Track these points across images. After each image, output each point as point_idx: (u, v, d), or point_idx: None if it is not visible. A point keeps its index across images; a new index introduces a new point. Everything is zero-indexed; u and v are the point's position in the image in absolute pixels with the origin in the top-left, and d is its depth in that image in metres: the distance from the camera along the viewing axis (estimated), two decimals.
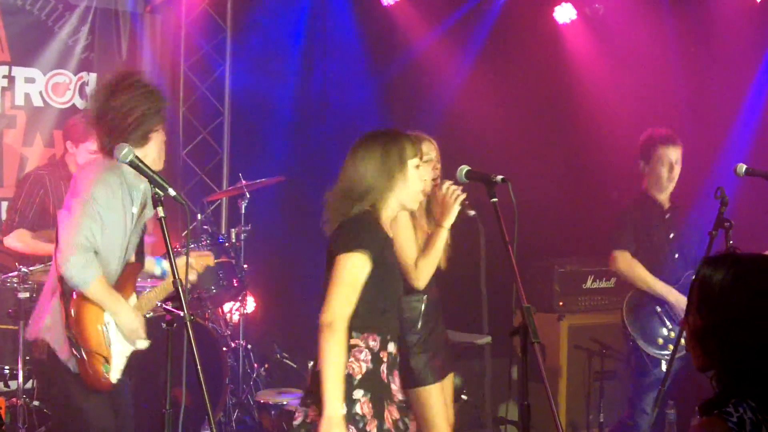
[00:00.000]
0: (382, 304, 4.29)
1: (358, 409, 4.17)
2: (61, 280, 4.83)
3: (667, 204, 6.49)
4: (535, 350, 3.87)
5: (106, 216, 4.84)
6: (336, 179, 4.43)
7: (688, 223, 6.48)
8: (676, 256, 6.42)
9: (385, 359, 4.28)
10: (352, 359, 4.20)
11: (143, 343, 5.11)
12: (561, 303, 7.82)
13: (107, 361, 4.91)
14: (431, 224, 5.25)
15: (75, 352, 4.84)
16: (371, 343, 4.26)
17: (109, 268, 4.99)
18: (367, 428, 4.16)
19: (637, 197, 6.54)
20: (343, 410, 4.09)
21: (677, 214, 6.50)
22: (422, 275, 5.11)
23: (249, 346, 8.42)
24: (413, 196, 4.39)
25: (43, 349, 4.97)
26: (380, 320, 4.29)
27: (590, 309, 7.87)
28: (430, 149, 5.39)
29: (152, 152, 5.10)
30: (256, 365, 8.41)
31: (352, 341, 4.21)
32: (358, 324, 4.22)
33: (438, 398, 5.14)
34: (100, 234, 4.80)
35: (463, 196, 5.08)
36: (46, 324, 4.97)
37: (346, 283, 4.18)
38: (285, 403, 7.43)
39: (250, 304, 8.61)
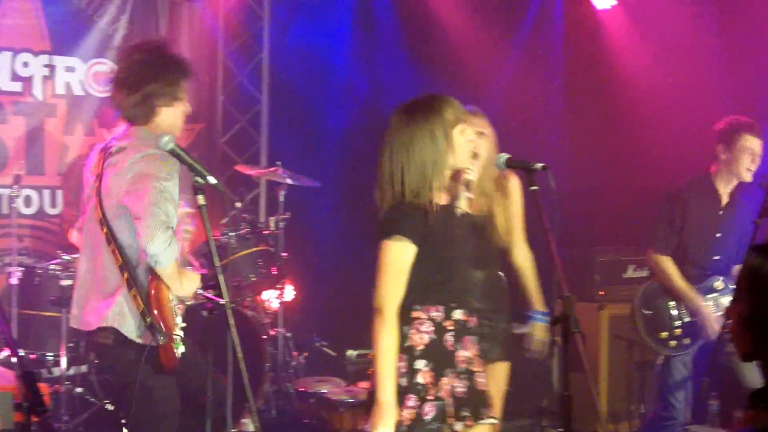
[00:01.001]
0: (440, 276, 4.30)
1: (420, 378, 4.22)
2: (129, 268, 4.79)
3: (726, 199, 6.31)
4: (576, 340, 3.85)
5: (177, 198, 4.83)
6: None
7: (737, 224, 6.30)
8: (716, 257, 6.29)
9: (450, 327, 4.30)
10: (413, 331, 4.25)
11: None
12: (601, 292, 7.76)
13: (180, 338, 4.89)
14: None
15: (158, 338, 4.78)
16: (433, 314, 4.28)
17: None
18: (427, 397, 4.22)
19: (696, 179, 6.38)
20: (404, 383, 4.18)
21: (730, 213, 6.32)
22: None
23: (288, 335, 8.44)
24: (464, 159, 4.37)
25: (109, 335, 4.92)
26: (441, 291, 4.31)
27: (631, 298, 7.81)
28: (483, 124, 5.41)
29: (177, 114, 5.04)
30: (295, 353, 8.43)
31: (414, 314, 4.26)
32: (418, 298, 4.26)
33: None
34: (174, 213, 4.79)
35: None
36: (112, 313, 4.90)
37: (390, 268, 4.22)
38: (324, 391, 7.45)
39: (289, 293, 8.62)
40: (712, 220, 6.27)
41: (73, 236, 7.28)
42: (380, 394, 4.13)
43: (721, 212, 6.27)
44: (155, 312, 4.75)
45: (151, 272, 4.76)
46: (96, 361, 6.75)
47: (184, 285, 4.87)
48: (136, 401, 4.94)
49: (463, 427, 4.30)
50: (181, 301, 4.98)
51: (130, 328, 4.80)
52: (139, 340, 4.79)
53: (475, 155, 4.41)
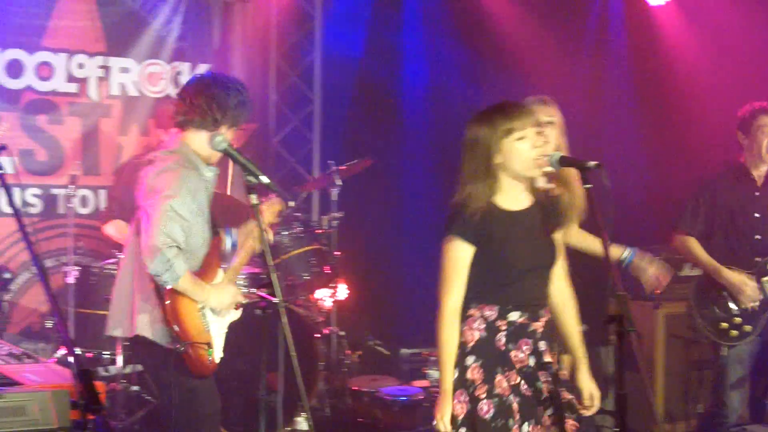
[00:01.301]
0: (498, 277, 4.38)
1: (468, 374, 4.34)
2: (152, 277, 4.86)
3: (761, 181, 6.32)
4: (631, 339, 3.83)
5: (188, 214, 4.85)
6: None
7: None
8: (758, 237, 6.27)
9: (503, 328, 4.36)
10: (466, 327, 4.38)
11: (235, 314, 5.15)
12: (657, 291, 7.69)
13: (210, 345, 4.95)
14: None
15: (178, 346, 4.85)
16: (486, 313, 4.37)
17: (198, 254, 5.03)
18: (476, 393, 4.30)
19: (728, 169, 6.38)
20: (456, 375, 4.34)
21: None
22: None
23: (342, 333, 8.43)
24: (525, 167, 4.35)
25: (143, 341, 5.00)
26: (498, 292, 4.38)
27: (687, 297, 7.73)
28: (552, 113, 5.42)
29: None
30: (348, 352, 8.43)
31: (469, 312, 4.39)
32: (475, 296, 4.38)
33: None
34: (181, 231, 4.80)
35: None
36: (143, 322, 4.97)
37: (447, 266, 4.38)
38: (378, 390, 7.45)
39: (343, 291, 8.62)
40: (749, 201, 6.29)
41: (109, 229, 7.36)
42: (441, 383, 4.35)
43: (757, 193, 6.30)
44: (170, 321, 4.83)
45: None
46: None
47: (211, 298, 4.93)
48: (177, 403, 5.04)
49: (530, 427, 4.32)
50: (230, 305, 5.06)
51: (159, 334, 4.89)
52: (169, 346, 4.88)
53: (539, 161, 4.38)
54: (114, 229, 7.34)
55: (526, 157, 4.33)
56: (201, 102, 4.94)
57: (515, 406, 4.30)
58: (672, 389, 7.48)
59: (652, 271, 5.54)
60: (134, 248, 4.94)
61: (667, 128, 9.05)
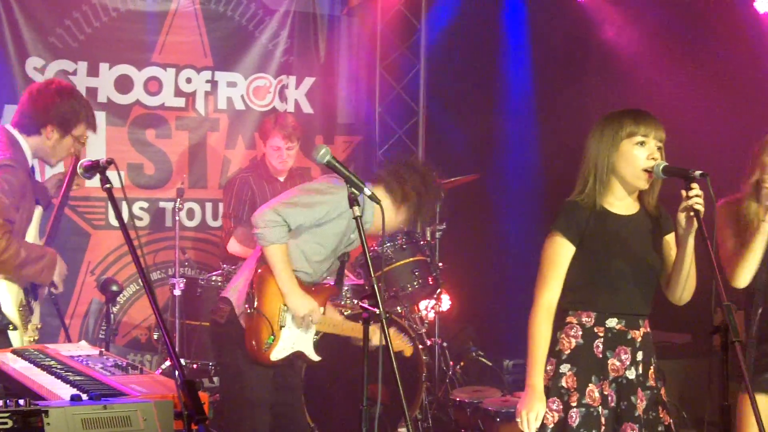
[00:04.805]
0: (600, 283, 4.36)
1: (563, 382, 4.32)
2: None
3: None
4: (736, 349, 3.78)
5: (316, 219, 5.08)
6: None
7: None
8: None
9: (601, 334, 4.34)
10: (563, 335, 4.38)
11: (311, 352, 5.40)
12: None
13: (273, 334, 5.11)
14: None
15: (248, 307, 5.06)
16: (584, 320, 4.36)
17: (305, 270, 5.19)
18: (570, 401, 4.29)
19: None
20: (550, 385, 4.33)
21: None
22: (738, 274, 4.92)
23: (445, 344, 8.45)
24: (634, 174, 4.35)
25: (224, 314, 5.26)
26: (597, 297, 4.37)
27: None
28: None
29: (386, 214, 5.16)
30: (451, 363, 8.44)
31: (567, 319, 4.40)
32: (573, 300, 4.39)
33: None
34: (300, 221, 5.06)
35: None
36: (237, 284, 5.32)
37: (546, 262, 4.40)
38: (481, 401, 7.43)
39: (446, 302, 8.64)
40: None
41: (232, 245, 7.47)
42: (528, 377, 4.32)
43: None
44: (253, 285, 5.19)
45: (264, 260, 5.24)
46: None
47: (292, 296, 5.19)
48: (228, 383, 5.40)
49: None
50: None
51: (239, 300, 5.24)
52: (241, 322, 5.20)
53: (647, 174, 4.34)
54: (235, 243, 7.44)
55: (638, 164, 4.32)
56: (406, 179, 5.48)
57: (603, 419, 4.28)
58: None
59: None
60: None
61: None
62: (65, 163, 5.80)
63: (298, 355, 5.40)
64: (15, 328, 5.00)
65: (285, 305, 5.20)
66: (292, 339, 5.28)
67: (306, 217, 5.16)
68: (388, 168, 5.49)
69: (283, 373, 5.44)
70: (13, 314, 5.02)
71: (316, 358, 5.46)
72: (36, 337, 5.15)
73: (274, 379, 5.40)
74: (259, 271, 5.19)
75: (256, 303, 5.13)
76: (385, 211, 4.82)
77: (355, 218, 4.41)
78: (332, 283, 5.62)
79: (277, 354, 5.23)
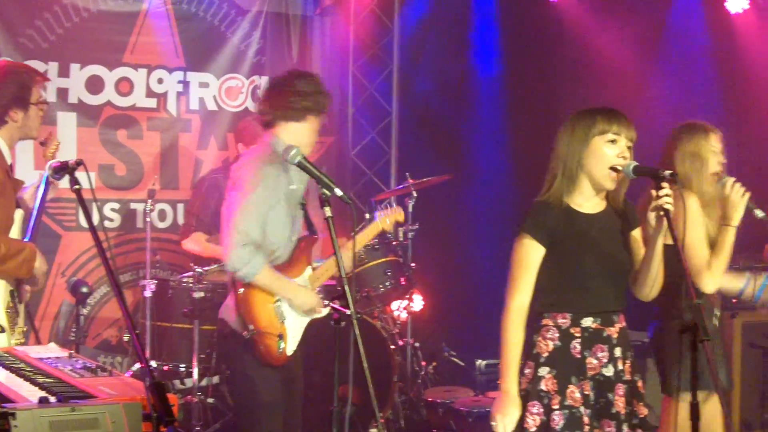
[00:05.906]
0: (573, 283, 4.35)
1: (542, 386, 4.29)
2: None
3: None
4: (706, 348, 3.79)
5: (267, 211, 5.03)
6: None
7: None
8: None
9: (577, 335, 4.33)
10: (539, 338, 4.36)
11: (321, 313, 5.31)
12: (734, 300, 7.59)
13: (281, 337, 5.10)
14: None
15: (245, 333, 5.06)
16: (560, 321, 4.35)
17: (279, 252, 5.18)
18: (551, 404, 4.27)
19: None
20: (529, 389, 4.30)
21: None
22: (713, 278, 4.99)
23: (417, 344, 8.46)
24: (602, 174, 4.34)
25: (226, 329, 5.28)
26: (571, 298, 4.36)
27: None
28: (717, 140, 5.36)
29: (304, 133, 5.20)
30: (424, 363, 8.45)
31: (543, 321, 4.37)
32: (547, 303, 4.38)
33: None
34: (258, 228, 5.02)
35: (748, 194, 5.03)
36: (227, 307, 5.29)
37: (516, 264, 4.37)
38: (453, 401, 7.45)
39: (418, 303, 8.65)
40: None
41: (188, 244, 7.46)
42: (502, 381, 4.30)
43: None
44: (240, 309, 5.11)
45: None
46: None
47: (298, 297, 5.13)
48: (239, 389, 5.35)
49: None
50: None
51: (235, 321, 5.17)
52: (242, 333, 5.13)
53: (615, 170, 4.35)
54: (193, 243, 7.44)
55: (606, 162, 4.31)
56: (283, 95, 5.17)
57: (586, 418, 4.27)
58: (749, 398, 7.39)
59: None
60: None
61: (753, 139, 8.91)
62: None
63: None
64: (3, 331, 4.97)
65: (273, 303, 5.15)
66: (296, 324, 5.25)
67: (261, 218, 5.07)
68: (266, 105, 5.30)
69: (289, 376, 5.38)
70: (0, 316, 4.98)
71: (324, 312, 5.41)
72: (22, 341, 5.12)
73: (284, 373, 5.35)
74: (240, 291, 5.13)
75: (251, 326, 5.09)
76: (297, 136, 5.06)
77: (327, 219, 4.41)
78: (305, 234, 5.50)
79: (291, 347, 5.23)
